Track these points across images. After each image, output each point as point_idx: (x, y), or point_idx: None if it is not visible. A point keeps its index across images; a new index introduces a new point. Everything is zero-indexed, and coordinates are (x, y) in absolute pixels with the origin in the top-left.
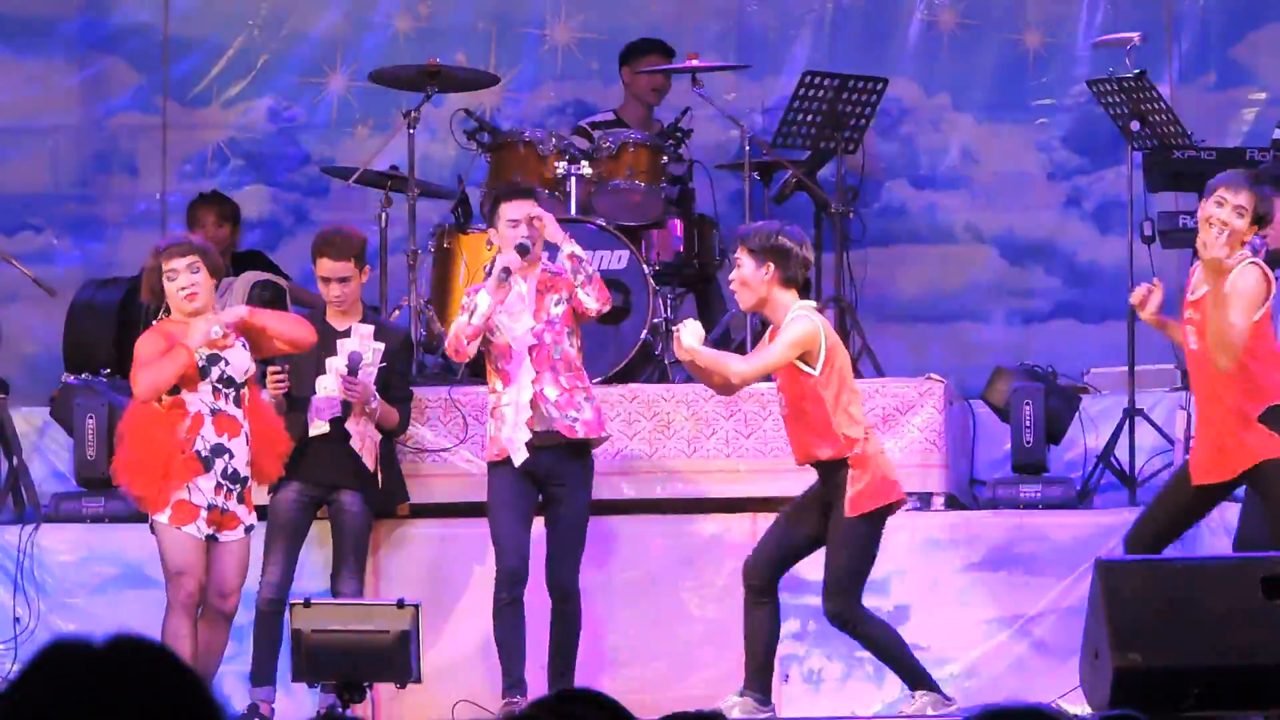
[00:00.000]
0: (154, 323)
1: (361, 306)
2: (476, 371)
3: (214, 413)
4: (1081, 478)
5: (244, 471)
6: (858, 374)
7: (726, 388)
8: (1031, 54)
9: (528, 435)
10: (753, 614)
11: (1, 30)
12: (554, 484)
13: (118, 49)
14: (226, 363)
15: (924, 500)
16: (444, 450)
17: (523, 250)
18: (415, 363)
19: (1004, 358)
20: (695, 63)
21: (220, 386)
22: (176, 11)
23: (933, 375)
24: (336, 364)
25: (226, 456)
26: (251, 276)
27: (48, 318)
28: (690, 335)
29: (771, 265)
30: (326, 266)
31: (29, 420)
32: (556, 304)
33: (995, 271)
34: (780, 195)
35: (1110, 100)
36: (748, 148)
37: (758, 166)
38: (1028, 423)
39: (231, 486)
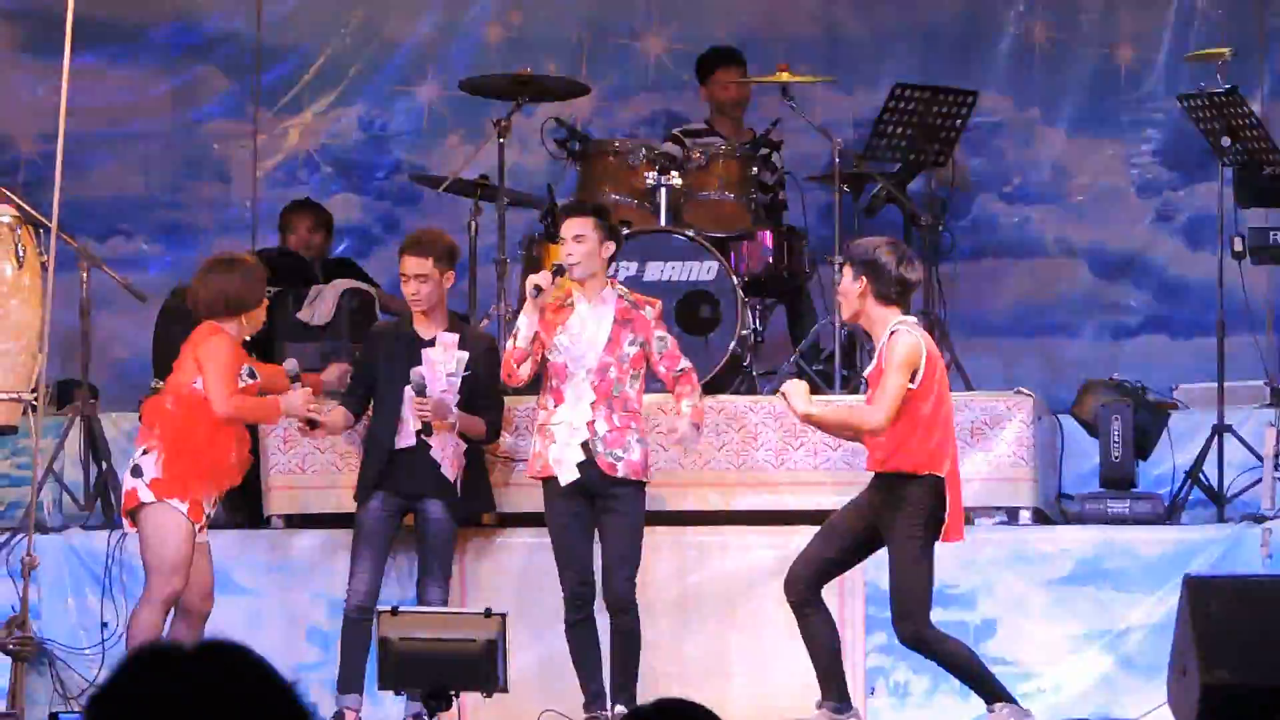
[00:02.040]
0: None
1: (447, 314)
2: None
3: (245, 428)
4: (1170, 493)
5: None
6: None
7: (865, 436)
8: (1123, 68)
9: (580, 455)
10: (804, 626)
11: (94, 37)
12: (606, 499)
13: (209, 56)
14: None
15: (1012, 514)
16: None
17: (558, 271)
18: (497, 375)
19: (1093, 372)
20: (785, 76)
21: None
22: (268, 19)
23: (1022, 389)
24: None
25: (244, 470)
26: (341, 284)
27: (138, 324)
28: (799, 399)
29: (865, 279)
30: (408, 263)
31: (119, 426)
32: (631, 343)
33: (1085, 286)
34: (870, 208)
35: (1201, 115)
36: (838, 159)
37: (848, 178)
38: (1116, 438)
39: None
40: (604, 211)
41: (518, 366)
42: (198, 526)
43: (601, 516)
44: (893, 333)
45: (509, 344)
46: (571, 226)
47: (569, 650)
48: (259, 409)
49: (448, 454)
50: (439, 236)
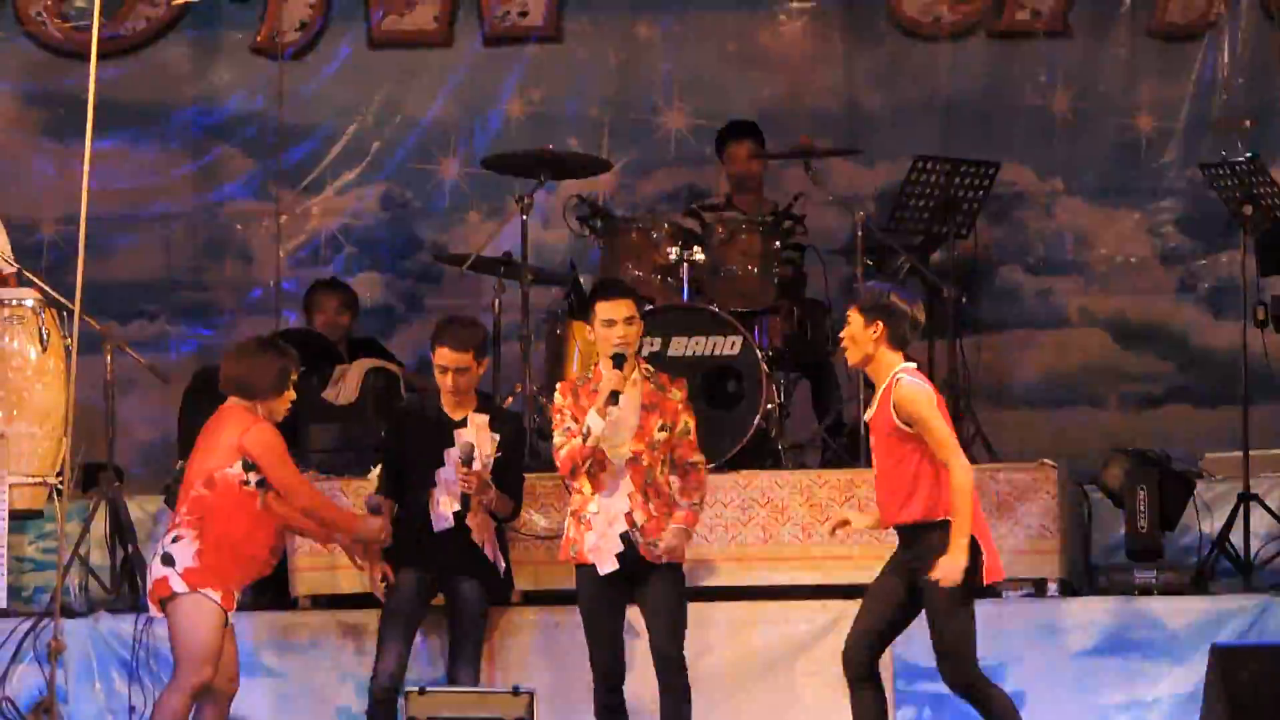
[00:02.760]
0: (246, 409)
1: (476, 395)
2: None
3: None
4: (1197, 563)
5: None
6: (972, 459)
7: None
8: (1144, 138)
9: (618, 546)
10: (857, 700)
11: (117, 118)
12: (642, 581)
13: (231, 137)
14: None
15: (1039, 586)
16: (557, 537)
17: (614, 399)
18: (527, 449)
19: (1118, 442)
20: (807, 146)
21: None
22: (289, 99)
23: (1046, 460)
24: (454, 455)
25: (278, 558)
26: (366, 364)
27: (162, 405)
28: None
29: (880, 324)
30: (446, 356)
31: (143, 508)
32: (660, 429)
33: (1109, 356)
34: (893, 280)
35: (1223, 184)
36: (860, 232)
37: (870, 251)
38: (1142, 507)
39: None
40: (638, 293)
41: (583, 464)
42: (230, 615)
43: (643, 593)
44: (898, 379)
45: (575, 440)
46: (621, 308)
47: None
48: (338, 518)
49: (487, 535)
50: (475, 326)
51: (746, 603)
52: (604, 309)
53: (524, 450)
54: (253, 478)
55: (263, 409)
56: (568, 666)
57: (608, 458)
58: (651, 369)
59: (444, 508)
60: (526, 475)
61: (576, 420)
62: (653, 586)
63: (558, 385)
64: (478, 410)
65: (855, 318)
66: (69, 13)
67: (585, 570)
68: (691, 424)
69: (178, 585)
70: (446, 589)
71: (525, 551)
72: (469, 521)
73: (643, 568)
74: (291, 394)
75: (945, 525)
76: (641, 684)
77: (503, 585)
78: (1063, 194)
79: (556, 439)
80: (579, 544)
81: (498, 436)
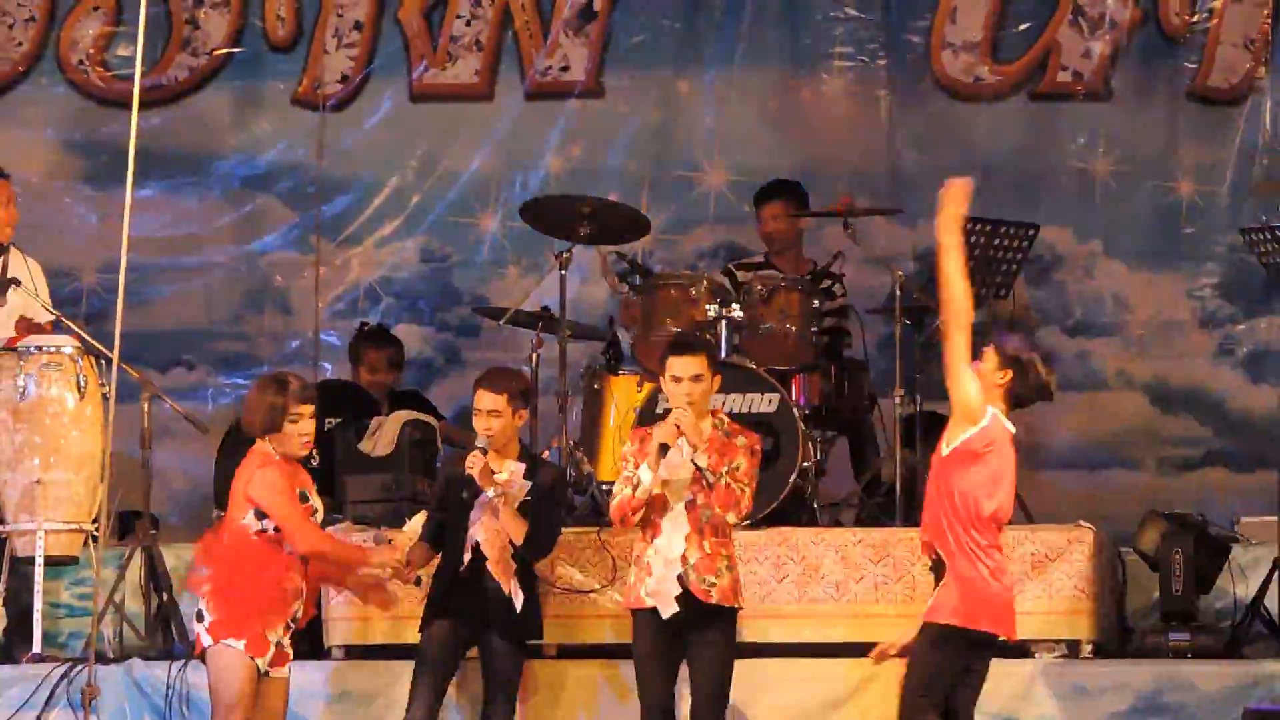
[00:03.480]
0: (260, 453)
1: (518, 449)
2: None
3: (301, 556)
4: (1231, 626)
5: (300, 614)
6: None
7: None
8: (1184, 202)
9: (677, 589)
10: None
11: (158, 168)
12: (696, 633)
13: (272, 187)
14: (317, 509)
15: (1072, 647)
16: (593, 591)
17: (663, 449)
18: (564, 505)
19: (1154, 505)
20: (846, 206)
21: None
22: (330, 151)
23: (1082, 522)
24: (485, 501)
25: (299, 600)
26: (402, 416)
27: (199, 454)
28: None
29: (1011, 375)
30: (483, 398)
31: (179, 556)
32: (722, 474)
33: (1146, 419)
34: (931, 340)
35: (1263, 248)
36: (899, 292)
37: (909, 311)
38: (1177, 571)
39: (292, 626)
40: (714, 348)
41: (633, 515)
42: (266, 660)
43: (692, 648)
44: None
45: (626, 490)
46: (689, 365)
47: None
48: (345, 552)
49: (505, 572)
50: (515, 374)
51: (780, 660)
52: (673, 364)
53: (559, 501)
54: (268, 524)
55: (275, 446)
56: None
57: (669, 503)
58: (726, 419)
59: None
60: (564, 530)
61: (637, 464)
62: (702, 645)
63: (632, 430)
64: (519, 459)
65: (991, 357)
66: (111, 62)
67: (642, 616)
68: (746, 464)
69: (205, 639)
70: (479, 640)
71: (561, 605)
72: (485, 550)
73: (695, 613)
74: (301, 429)
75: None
76: None
77: (525, 628)
78: (1102, 256)
79: (615, 486)
80: (637, 589)
81: (529, 484)
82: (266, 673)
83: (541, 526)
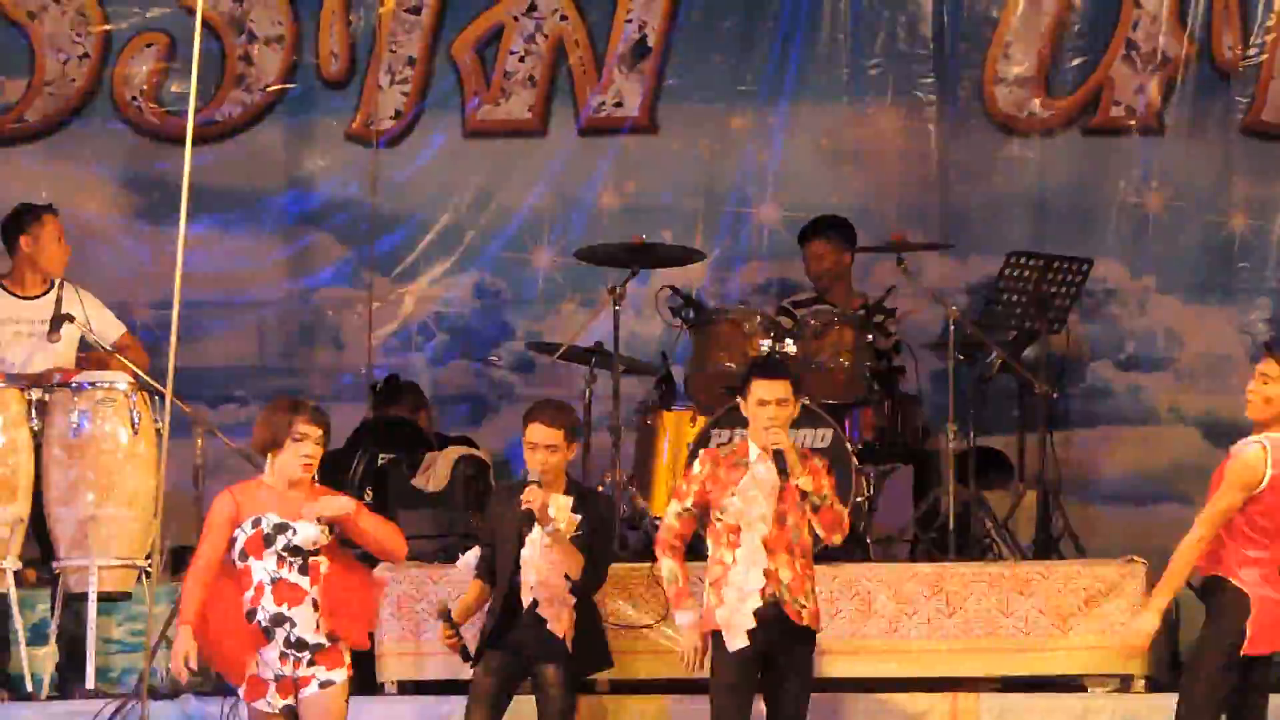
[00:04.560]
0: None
1: (566, 481)
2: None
3: (274, 581)
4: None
5: (312, 639)
6: (1060, 555)
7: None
8: (1237, 236)
9: (750, 622)
10: None
11: (211, 203)
12: (784, 655)
13: (325, 223)
14: (294, 532)
15: (1125, 682)
16: (646, 626)
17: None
18: (616, 537)
19: None
20: (898, 241)
21: (285, 555)
22: (383, 186)
23: (1135, 557)
24: (536, 537)
25: (288, 625)
26: (456, 450)
27: None
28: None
29: None
30: (537, 432)
31: None
32: (806, 495)
33: (1198, 453)
34: (985, 376)
35: None
36: (952, 327)
37: (962, 346)
38: None
39: (298, 654)
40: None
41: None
42: (269, 697)
43: (774, 676)
44: (1256, 442)
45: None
46: (777, 389)
47: None
48: (184, 604)
49: (560, 617)
50: (568, 409)
51: (833, 694)
52: (759, 387)
53: (610, 534)
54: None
55: (274, 469)
56: None
57: (740, 529)
58: (794, 441)
59: (523, 587)
60: (617, 565)
61: (700, 492)
62: (784, 676)
63: (701, 450)
64: (566, 492)
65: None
66: (165, 98)
67: (722, 639)
68: (829, 483)
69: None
70: (533, 674)
71: (614, 641)
72: (538, 591)
73: (783, 636)
74: (304, 449)
75: (1222, 583)
76: None
77: (581, 665)
78: (1154, 291)
79: (670, 506)
80: (712, 614)
81: (579, 518)
82: (291, 706)
83: (597, 559)
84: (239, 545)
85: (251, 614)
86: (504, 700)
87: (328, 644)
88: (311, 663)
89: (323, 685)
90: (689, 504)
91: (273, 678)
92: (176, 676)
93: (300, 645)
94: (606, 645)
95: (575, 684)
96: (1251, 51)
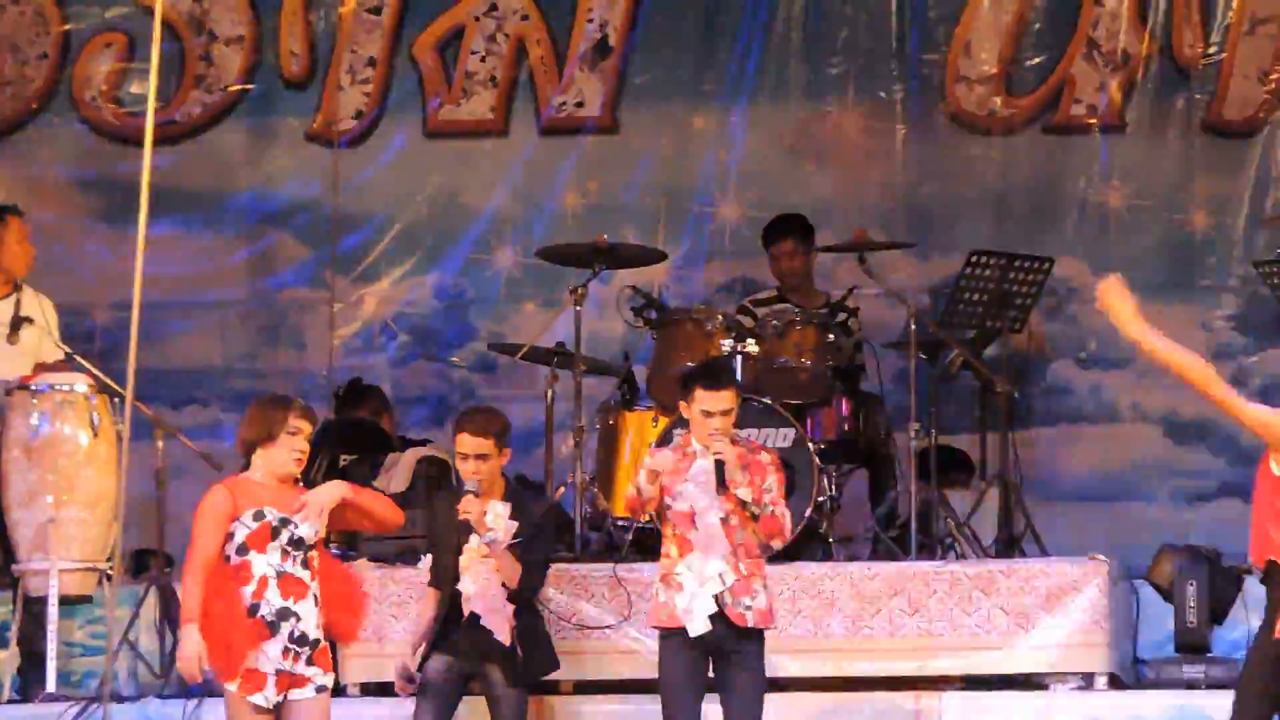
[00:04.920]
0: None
1: (504, 485)
2: (642, 550)
3: (279, 575)
4: (1245, 658)
5: (313, 634)
6: (1021, 553)
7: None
8: (1198, 234)
9: (711, 606)
10: None
11: (171, 204)
12: (727, 655)
13: (286, 224)
14: (296, 525)
15: (1087, 679)
16: (608, 627)
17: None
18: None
19: (1168, 537)
20: (861, 240)
21: (289, 549)
22: (345, 187)
23: (1096, 555)
24: (472, 545)
25: (293, 620)
26: (417, 451)
27: None
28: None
29: None
30: (466, 443)
31: None
32: (767, 501)
33: (1160, 451)
34: (946, 374)
35: (1276, 280)
36: (914, 326)
37: (924, 345)
38: (1191, 603)
39: (299, 650)
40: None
41: (643, 509)
42: (267, 692)
43: (725, 673)
44: None
45: (630, 489)
46: (721, 400)
47: None
48: (185, 602)
49: (496, 620)
50: (496, 415)
51: (795, 694)
52: (704, 398)
53: (547, 537)
54: (230, 548)
55: (263, 465)
56: None
57: (694, 517)
58: (740, 435)
59: (463, 597)
60: (579, 565)
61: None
62: (737, 669)
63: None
64: (504, 499)
65: None
66: (124, 98)
67: (671, 638)
68: (777, 480)
69: (216, 687)
70: (480, 677)
71: (576, 642)
72: (475, 604)
73: (728, 639)
74: (296, 443)
75: None
76: None
77: (528, 667)
78: None
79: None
80: (670, 607)
81: (515, 525)
82: (279, 703)
83: (532, 564)
84: (238, 539)
85: (254, 608)
86: (453, 700)
87: (323, 641)
88: (310, 661)
89: (318, 690)
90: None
91: (273, 672)
92: (189, 679)
93: (302, 641)
94: (553, 648)
95: (525, 685)
96: (1212, 49)
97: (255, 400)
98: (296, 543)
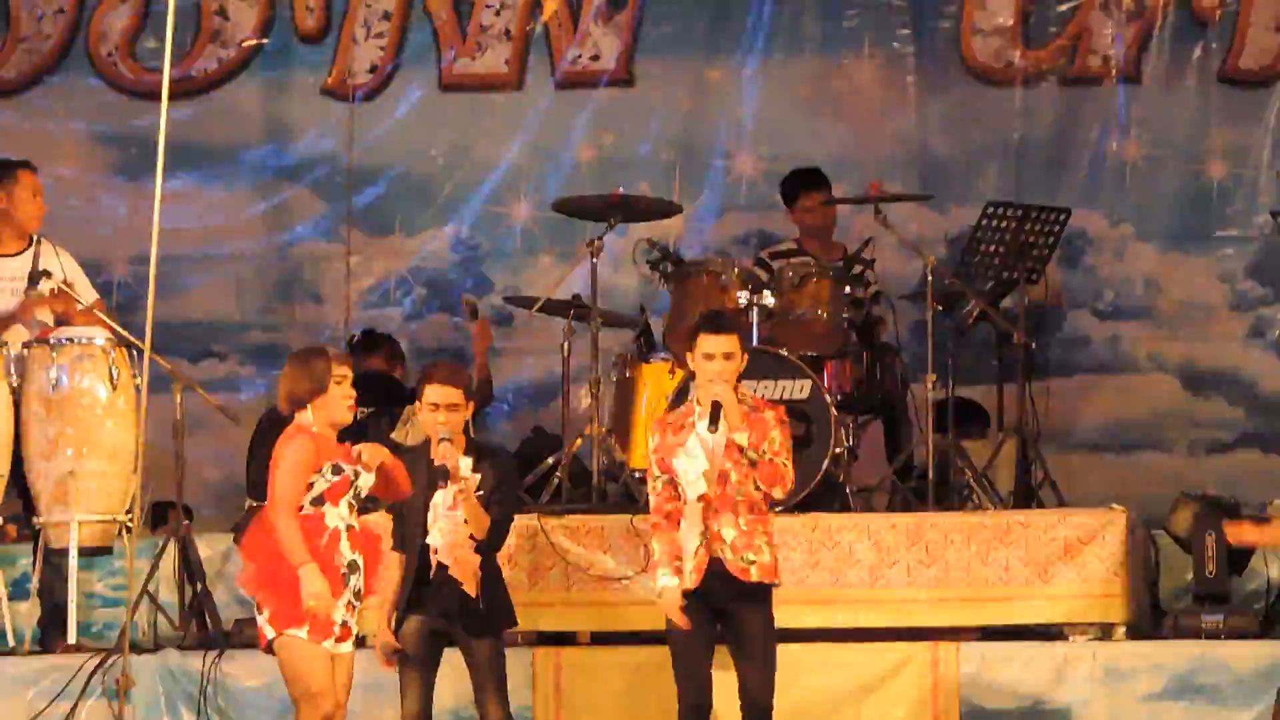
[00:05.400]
0: (296, 424)
1: (464, 440)
2: None
3: (349, 529)
4: (1264, 607)
5: (362, 588)
6: (1040, 504)
7: None
8: (1215, 184)
9: (690, 581)
10: None
11: (188, 159)
12: (737, 612)
13: (302, 178)
14: (354, 480)
15: (1106, 630)
16: (626, 578)
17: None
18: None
19: (1186, 487)
20: (877, 191)
21: (354, 503)
22: (360, 141)
23: (1115, 505)
24: (439, 499)
25: (357, 574)
26: None
27: (231, 445)
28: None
29: None
30: (436, 393)
31: (212, 546)
32: (749, 450)
33: (1178, 402)
34: (962, 325)
35: None
36: (930, 277)
37: (941, 296)
38: (1210, 553)
39: (355, 603)
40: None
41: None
42: (333, 640)
43: (735, 627)
44: None
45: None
46: (722, 343)
47: None
48: (294, 546)
49: (462, 570)
50: (461, 368)
51: (813, 644)
52: (705, 342)
53: (512, 491)
54: (307, 498)
55: (318, 417)
56: (641, 708)
57: (685, 493)
58: (749, 394)
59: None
60: (600, 516)
61: (659, 462)
62: (744, 624)
63: (655, 422)
64: (465, 453)
65: None
66: (140, 54)
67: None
68: (780, 436)
69: (268, 631)
70: (455, 636)
71: (593, 593)
72: (444, 556)
73: (731, 593)
74: (344, 392)
75: None
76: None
77: (495, 620)
78: (1133, 240)
79: (649, 484)
80: None
81: (477, 477)
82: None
83: (498, 517)
84: (316, 490)
85: (329, 559)
86: (433, 660)
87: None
88: (356, 619)
89: (357, 646)
90: (658, 474)
91: (339, 622)
92: (324, 617)
93: (358, 595)
94: (510, 603)
95: (499, 639)
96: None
97: (292, 356)
98: (359, 496)
